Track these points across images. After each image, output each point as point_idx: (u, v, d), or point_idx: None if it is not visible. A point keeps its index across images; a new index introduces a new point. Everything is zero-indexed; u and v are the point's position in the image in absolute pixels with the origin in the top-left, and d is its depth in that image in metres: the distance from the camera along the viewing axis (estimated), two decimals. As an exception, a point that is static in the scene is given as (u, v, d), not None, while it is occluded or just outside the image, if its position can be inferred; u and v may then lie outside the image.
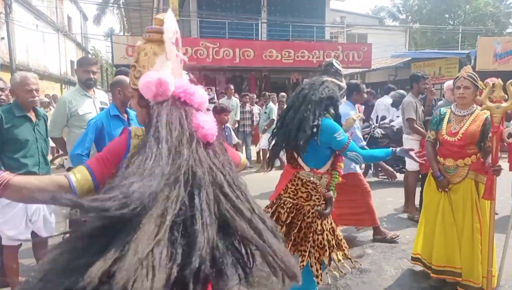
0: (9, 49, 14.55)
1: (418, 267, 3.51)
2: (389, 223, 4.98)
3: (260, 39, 16.29)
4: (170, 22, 1.35)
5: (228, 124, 5.35)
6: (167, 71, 1.30)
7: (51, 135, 3.48)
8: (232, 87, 9.05)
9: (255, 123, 9.18)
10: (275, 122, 8.22)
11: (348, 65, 16.46)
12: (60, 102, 3.54)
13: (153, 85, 1.22)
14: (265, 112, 8.31)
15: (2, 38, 14.35)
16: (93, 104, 3.60)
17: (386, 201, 5.90)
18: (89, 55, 33.50)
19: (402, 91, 7.43)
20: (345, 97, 3.84)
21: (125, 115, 3.09)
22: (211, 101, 5.78)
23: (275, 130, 2.65)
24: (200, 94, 1.28)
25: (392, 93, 7.73)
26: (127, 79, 3.01)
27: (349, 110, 3.81)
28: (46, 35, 20.21)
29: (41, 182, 1.21)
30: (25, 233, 2.88)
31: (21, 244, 2.98)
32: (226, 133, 5.06)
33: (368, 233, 4.49)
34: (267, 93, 9.17)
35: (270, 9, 16.56)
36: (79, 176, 1.24)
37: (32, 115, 3.06)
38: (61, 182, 1.22)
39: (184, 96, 1.23)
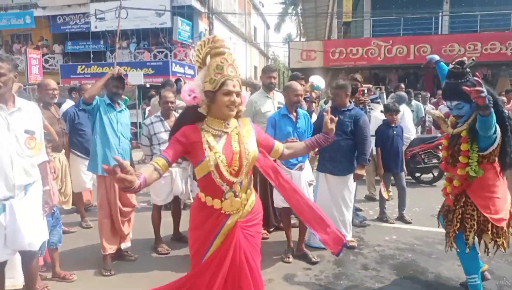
0: (210, 60, 17.76)
1: None
2: None
3: (440, 33, 15.03)
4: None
5: (398, 124, 5.14)
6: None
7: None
8: (402, 85, 8.83)
9: (427, 123, 8.76)
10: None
11: (558, 57, 13.52)
12: (248, 102, 4.45)
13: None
14: (412, 110, 7.77)
15: (206, 51, 17.61)
16: (272, 104, 4.39)
17: None
18: (270, 61, 37.13)
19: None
20: None
21: (294, 114, 3.71)
22: (374, 100, 5.85)
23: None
24: None
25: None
26: (294, 84, 3.62)
27: None
28: (237, 45, 23.59)
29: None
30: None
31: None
32: (395, 132, 4.89)
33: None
34: (411, 90, 8.58)
35: (454, 0, 15.05)
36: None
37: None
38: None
39: None
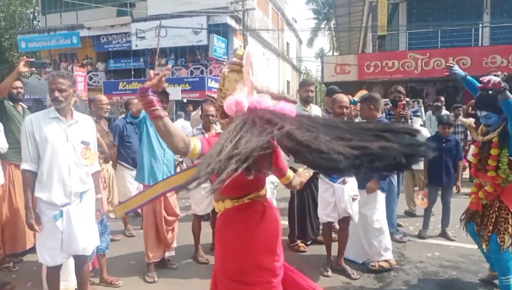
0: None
1: None
2: None
3: (480, 45, 14.55)
4: (247, 58, 1.98)
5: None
6: (243, 94, 1.94)
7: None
8: (442, 99, 8.62)
9: (468, 137, 8.46)
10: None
11: None
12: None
13: (233, 106, 1.85)
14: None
15: (240, 67, 17.99)
16: (310, 117, 4.44)
17: None
18: (302, 75, 37.25)
19: None
20: None
21: None
22: (415, 114, 5.74)
23: None
24: (266, 101, 1.90)
25: None
26: (340, 96, 3.64)
27: None
28: (270, 61, 23.89)
29: (175, 129, 1.73)
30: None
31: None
32: (444, 145, 4.72)
33: None
34: (440, 104, 8.24)
35: (495, 11, 14.58)
36: (195, 144, 1.72)
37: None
38: (185, 139, 1.70)
39: (257, 104, 1.86)
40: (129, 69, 18.82)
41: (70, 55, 21.08)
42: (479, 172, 3.12)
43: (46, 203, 2.61)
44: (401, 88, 4.96)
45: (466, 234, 3.41)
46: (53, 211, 2.60)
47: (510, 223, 2.88)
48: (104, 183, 3.64)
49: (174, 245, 3.91)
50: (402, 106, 4.46)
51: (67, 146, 2.66)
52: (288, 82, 29.67)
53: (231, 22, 17.74)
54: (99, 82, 18.97)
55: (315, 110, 4.65)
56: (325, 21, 36.64)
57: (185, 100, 13.72)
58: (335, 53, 33.08)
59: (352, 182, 3.64)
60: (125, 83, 16.76)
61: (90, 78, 19.05)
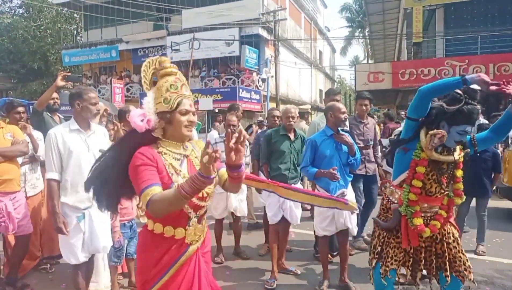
0: (276, 85, 18.22)
1: None
2: None
3: (523, 50, 13.87)
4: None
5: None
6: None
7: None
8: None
9: (510, 147, 8.06)
10: None
11: None
12: (311, 125, 4.55)
13: None
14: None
15: (272, 76, 18.12)
16: (336, 126, 4.39)
17: None
18: (335, 84, 36.88)
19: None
20: None
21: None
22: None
23: None
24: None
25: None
26: (335, 105, 3.52)
27: None
28: (302, 70, 23.89)
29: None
30: (278, 215, 3.87)
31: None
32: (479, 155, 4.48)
33: None
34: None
35: (539, 14, 13.88)
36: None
37: (291, 134, 4.06)
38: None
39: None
40: (164, 80, 19.46)
41: (109, 68, 22.14)
42: (431, 197, 2.41)
43: (71, 207, 2.77)
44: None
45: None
46: (76, 213, 2.78)
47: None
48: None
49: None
50: None
51: (88, 155, 2.82)
52: (320, 90, 29.47)
53: (263, 33, 17.95)
54: (136, 93, 19.74)
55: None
56: (359, 29, 36.24)
57: (216, 110, 13.97)
58: (370, 61, 32.58)
59: (351, 195, 3.48)
60: (160, 94, 17.36)
61: (128, 90, 19.88)
